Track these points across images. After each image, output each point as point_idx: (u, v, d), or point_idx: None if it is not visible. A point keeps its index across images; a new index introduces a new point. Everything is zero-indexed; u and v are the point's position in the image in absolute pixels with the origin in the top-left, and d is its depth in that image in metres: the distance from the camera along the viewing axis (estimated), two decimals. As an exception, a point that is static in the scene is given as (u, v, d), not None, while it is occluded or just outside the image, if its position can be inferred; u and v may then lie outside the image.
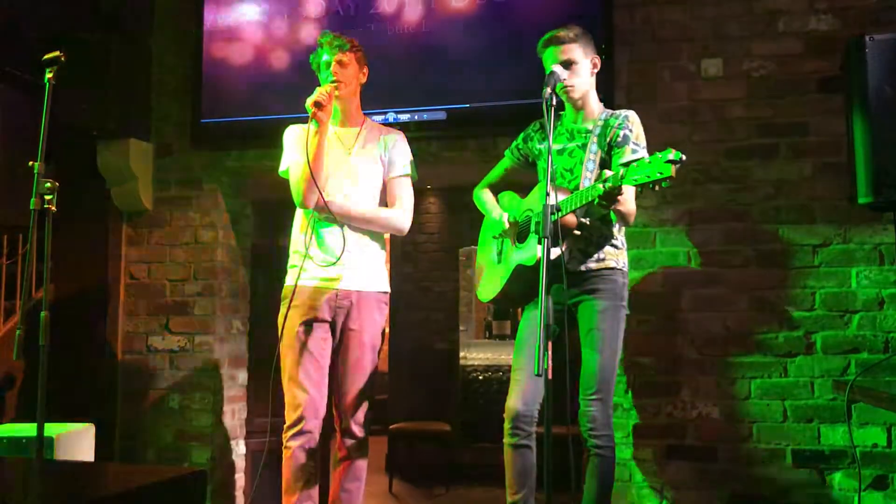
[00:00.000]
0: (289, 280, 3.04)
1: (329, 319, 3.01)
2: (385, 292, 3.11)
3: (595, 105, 3.02)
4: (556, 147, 2.99)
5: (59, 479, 1.59)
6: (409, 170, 3.13)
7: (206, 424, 4.08)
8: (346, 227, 2.97)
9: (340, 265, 2.95)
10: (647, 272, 3.59)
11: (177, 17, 4.24)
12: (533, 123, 3.16)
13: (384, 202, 3.12)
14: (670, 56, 3.65)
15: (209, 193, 4.20)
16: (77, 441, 3.57)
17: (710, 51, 3.62)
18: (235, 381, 4.31)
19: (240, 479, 4.28)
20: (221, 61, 4.04)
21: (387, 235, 3.36)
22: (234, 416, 4.29)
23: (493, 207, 3.20)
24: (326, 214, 2.96)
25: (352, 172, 3.06)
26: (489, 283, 3.17)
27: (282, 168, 3.13)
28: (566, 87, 2.89)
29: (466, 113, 3.69)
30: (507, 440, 2.93)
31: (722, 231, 3.54)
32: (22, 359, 2.67)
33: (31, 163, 2.67)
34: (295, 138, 3.08)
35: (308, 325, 2.98)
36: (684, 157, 2.34)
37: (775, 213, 3.50)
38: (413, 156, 3.18)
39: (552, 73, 2.71)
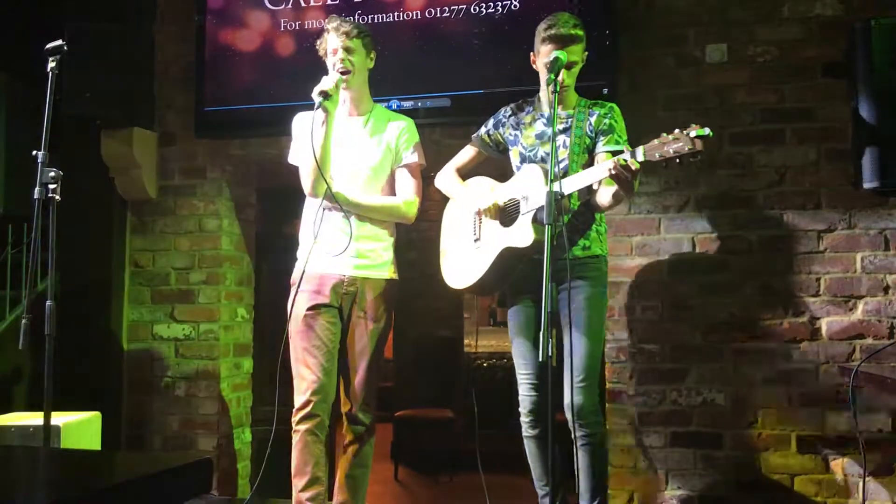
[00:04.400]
0: (298, 265, 3.05)
1: (336, 305, 3.02)
2: (392, 279, 3.10)
3: (573, 94, 3.01)
4: (532, 133, 3.00)
5: (66, 468, 1.59)
6: (416, 157, 3.13)
7: (212, 413, 4.10)
8: (353, 216, 2.98)
9: (347, 252, 2.96)
10: (651, 259, 3.58)
11: (180, 4, 4.22)
12: (504, 109, 3.14)
13: (392, 190, 3.12)
14: (674, 42, 3.63)
15: (213, 182, 4.20)
16: (83, 430, 3.58)
17: (714, 36, 3.59)
18: (240, 370, 4.33)
19: (245, 467, 4.30)
20: (225, 49, 4.02)
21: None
22: (240, 404, 4.30)
23: (462, 188, 3.18)
24: (335, 203, 2.96)
25: (359, 160, 3.06)
26: (465, 270, 3.09)
27: (290, 158, 3.14)
28: (564, 85, 2.84)
29: (471, 99, 3.68)
30: (529, 432, 2.93)
31: (726, 217, 3.53)
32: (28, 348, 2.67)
33: (34, 152, 2.68)
34: (303, 127, 3.07)
35: (315, 310, 2.99)
36: (710, 133, 2.34)
37: (780, 199, 3.49)
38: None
39: (556, 58, 2.70)
